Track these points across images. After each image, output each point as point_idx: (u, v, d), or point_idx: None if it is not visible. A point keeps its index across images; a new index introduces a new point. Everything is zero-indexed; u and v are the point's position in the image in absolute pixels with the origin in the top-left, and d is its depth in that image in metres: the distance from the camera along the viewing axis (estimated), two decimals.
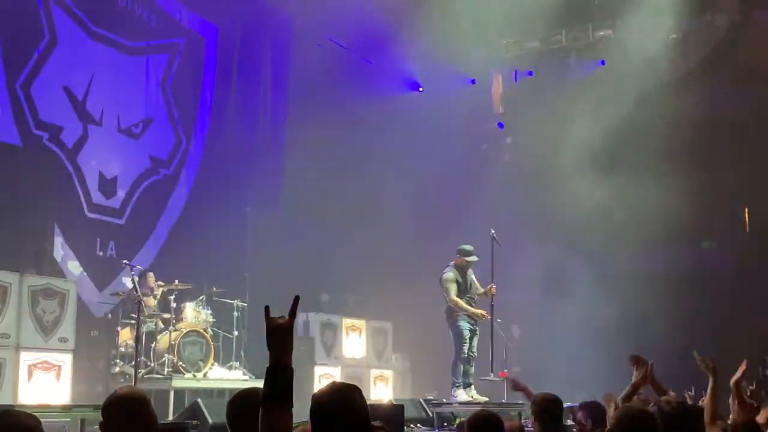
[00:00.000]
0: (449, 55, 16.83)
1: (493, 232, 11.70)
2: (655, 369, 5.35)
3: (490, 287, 11.51)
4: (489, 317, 11.49)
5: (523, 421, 9.32)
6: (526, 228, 15.97)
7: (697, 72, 16.43)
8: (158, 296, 12.34)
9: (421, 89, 18.40)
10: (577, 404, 7.08)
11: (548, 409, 6.07)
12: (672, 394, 5.50)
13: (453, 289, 11.33)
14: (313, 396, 3.13)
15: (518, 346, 15.97)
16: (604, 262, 15.32)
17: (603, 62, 17.23)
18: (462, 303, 11.34)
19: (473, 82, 18.58)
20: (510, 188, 16.41)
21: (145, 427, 3.41)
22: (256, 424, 3.02)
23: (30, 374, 9.97)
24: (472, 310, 11.37)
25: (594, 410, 6.65)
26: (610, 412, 5.19)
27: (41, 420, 2.99)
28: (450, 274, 11.44)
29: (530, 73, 18.15)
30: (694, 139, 15.49)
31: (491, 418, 4.53)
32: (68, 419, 8.64)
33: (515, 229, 15.91)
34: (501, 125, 18.61)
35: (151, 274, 12.47)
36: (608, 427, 3.48)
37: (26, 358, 9.98)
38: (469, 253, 11.53)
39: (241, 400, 3.76)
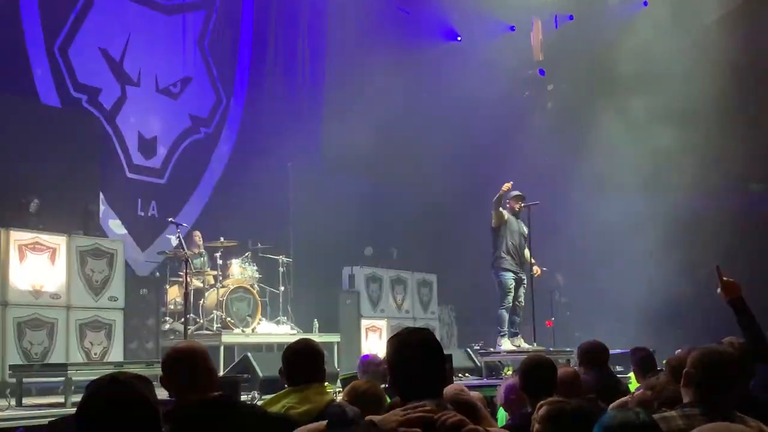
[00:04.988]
0: (487, 1, 16.54)
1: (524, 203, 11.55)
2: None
3: (535, 268, 11.46)
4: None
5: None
6: (569, 175, 15.76)
7: (743, 10, 15.94)
8: (204, 254, 12.44)
9: (459, 38, 18.13)
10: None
11: (594, 356, 6.05)
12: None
13: (498, 215, 11.27)
14: None
15: (563, 291, 15.97)
16: (647, 207, 15.06)
17: (646, 3, 16.77)
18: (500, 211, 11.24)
19: (512, 29, 18.22)
20: (553, 136, 16.16)
21: (206, 380, 3.41)
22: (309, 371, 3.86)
23: (82, 333, 10.10)
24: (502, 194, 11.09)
25: (644, 358, 6.60)
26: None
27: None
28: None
29: (571, 18, 17.74)
30: (741, 81, 15.08)
31: (544, 362, 4.45)
32: None
33: (558, 176, 15.73)
34: (542, 72, 18.28)
35: (197, 232, 12.56)
36: (686, 368, 3.25)
37: (77, 317, 10.11)
38: (519, 198, 11.42)
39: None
